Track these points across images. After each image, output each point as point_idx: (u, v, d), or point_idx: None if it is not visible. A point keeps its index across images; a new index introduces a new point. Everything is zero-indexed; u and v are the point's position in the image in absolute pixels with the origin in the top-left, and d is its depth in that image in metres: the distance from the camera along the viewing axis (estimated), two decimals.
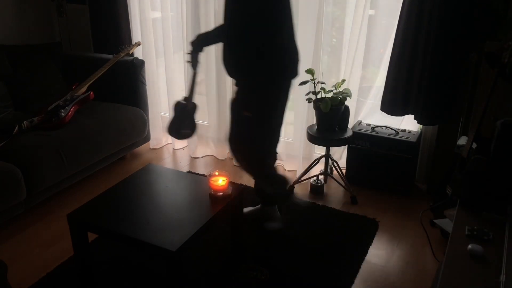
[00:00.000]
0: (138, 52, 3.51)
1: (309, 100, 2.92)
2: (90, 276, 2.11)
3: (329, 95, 2.89)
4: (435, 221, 2.51)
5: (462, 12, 2.46)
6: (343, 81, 2.91)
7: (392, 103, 2.81)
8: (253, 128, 2.25)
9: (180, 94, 3.61)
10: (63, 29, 3.81)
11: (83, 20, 3.69)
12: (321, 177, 3.08)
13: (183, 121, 2.42)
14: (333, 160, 3.06)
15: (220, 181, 2.07)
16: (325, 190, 3.05)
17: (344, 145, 3.04)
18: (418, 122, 2.80)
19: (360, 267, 2.33)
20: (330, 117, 2.88)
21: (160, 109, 3.69)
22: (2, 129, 2.72)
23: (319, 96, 2.89)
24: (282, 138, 3.42)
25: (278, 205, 2.62)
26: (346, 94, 2.85)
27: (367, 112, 3.14)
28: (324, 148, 3.02)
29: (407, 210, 2.86)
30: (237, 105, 2.32)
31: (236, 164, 3.39)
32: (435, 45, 2.53)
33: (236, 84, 2.32)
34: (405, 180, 2.97)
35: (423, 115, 2.72)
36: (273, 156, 2.50)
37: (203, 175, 3.18)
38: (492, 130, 2.01)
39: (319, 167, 3.12)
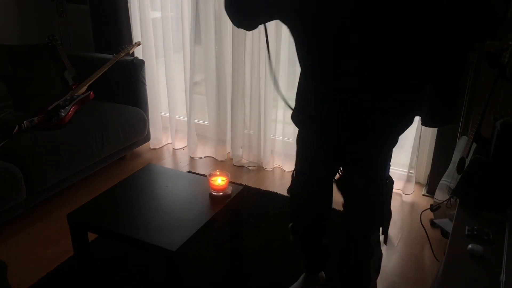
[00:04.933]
0: (138, 52, 3.51)
1: None
2: (90, 276, 2.11)
3: None
4: (435, 221, 2.52)
5: (463, 12, 2.46)
6: None
7: None
8: None
9: (180, 94, 3.63)
10: (63, 29, 3.81)
11: (83, 20, 3.69)
12: None
13: None
14: None
15: (220, 181, 2.07)
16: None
17: None
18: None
19: None
20: None
21: (160, 109, 3.69)
22: (2, 129, 2.72)
23: None
24: (281, 138, 3.46)
25: None
26: None
27: None
28: None
29: (407, 210, 2.86)
30: None
31: (236, 164, 3.40)
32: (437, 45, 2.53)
33: None
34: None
35: (428, 118, 2.70)
36: None
37: (203, 175, 3.18)
38: (492, 130, 2.01)
39: None
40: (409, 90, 1.62)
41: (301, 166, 1.88)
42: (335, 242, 1.95)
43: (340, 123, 1.62)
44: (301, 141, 1.84)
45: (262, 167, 3.37)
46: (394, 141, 1.68)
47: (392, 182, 1.76)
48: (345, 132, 1.64)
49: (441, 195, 2.41)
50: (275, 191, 3.01)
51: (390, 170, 1.77)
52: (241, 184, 2.72)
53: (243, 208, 2.30)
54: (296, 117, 1.77)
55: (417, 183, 3.09)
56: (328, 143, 1.70)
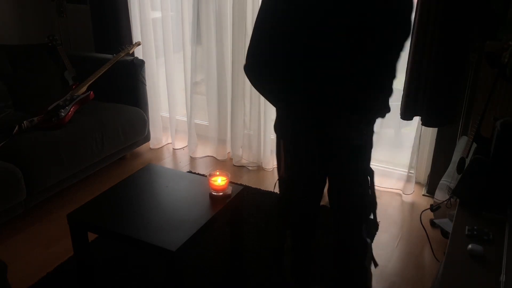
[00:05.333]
0: (138, 52, 3.51)
1: None
2: (90, 276, 2.11)
3: None
4: (435, 221, 2.52)
5: (463, 12, 2.46)
6: None
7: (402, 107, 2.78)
8: None
9: (180, 94, 3.63)
10: (63, 29, 3.81)
11: (83, 20, 3.69)
12: None
13: None
14: None
15: (220, 181, 2.07)
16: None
17: None
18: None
19: None
20: None
21: (160, 109, 3.69)
22: (2, 129, 2.72)
23: None
24: None
25: None
26: None
27: None
28: None
29: (407, 210, 2.86)
30: None
31: (236, 164, 3.40)
32: (437, 46, 2.53)
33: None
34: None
35: (428, 118, 2.70)
36: None
37: (203, 175, 3.18)
38: (492, 130, 2.01)
39: None
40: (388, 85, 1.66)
41: (292, 173, 1.87)
42: (334, 242, 1.96)
43: (332, 120, 1.66)
44: (288, 148, 1.81)
45: (262, 167, 3.37)
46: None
47: (372, 171, 1.82)
48: (340, 129, 1.67)
49: (441, 195, 2.41)
50: (275, 191, 3.01)
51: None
52: (241, 184, 2.72)
53: (243, 208, 2.30)
54: (282, 125, 1.77)
55: (417, 183, 3.09)
56: (321, 142, 1.73)
